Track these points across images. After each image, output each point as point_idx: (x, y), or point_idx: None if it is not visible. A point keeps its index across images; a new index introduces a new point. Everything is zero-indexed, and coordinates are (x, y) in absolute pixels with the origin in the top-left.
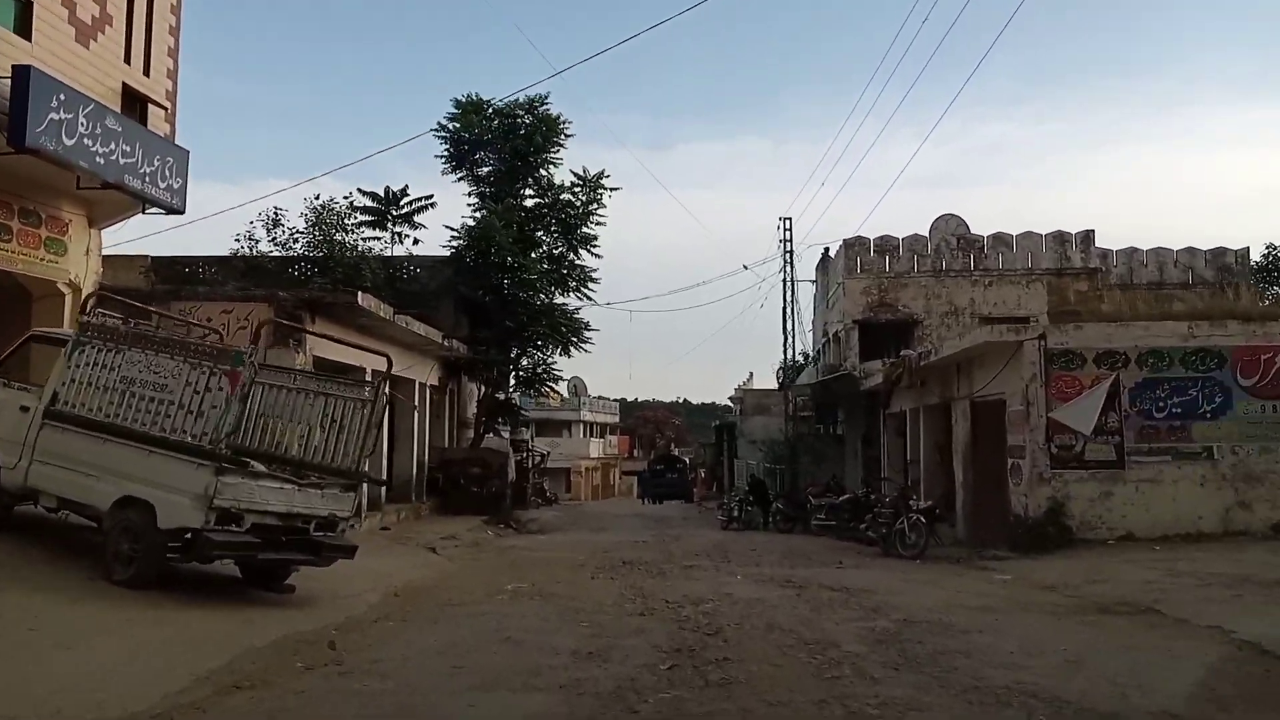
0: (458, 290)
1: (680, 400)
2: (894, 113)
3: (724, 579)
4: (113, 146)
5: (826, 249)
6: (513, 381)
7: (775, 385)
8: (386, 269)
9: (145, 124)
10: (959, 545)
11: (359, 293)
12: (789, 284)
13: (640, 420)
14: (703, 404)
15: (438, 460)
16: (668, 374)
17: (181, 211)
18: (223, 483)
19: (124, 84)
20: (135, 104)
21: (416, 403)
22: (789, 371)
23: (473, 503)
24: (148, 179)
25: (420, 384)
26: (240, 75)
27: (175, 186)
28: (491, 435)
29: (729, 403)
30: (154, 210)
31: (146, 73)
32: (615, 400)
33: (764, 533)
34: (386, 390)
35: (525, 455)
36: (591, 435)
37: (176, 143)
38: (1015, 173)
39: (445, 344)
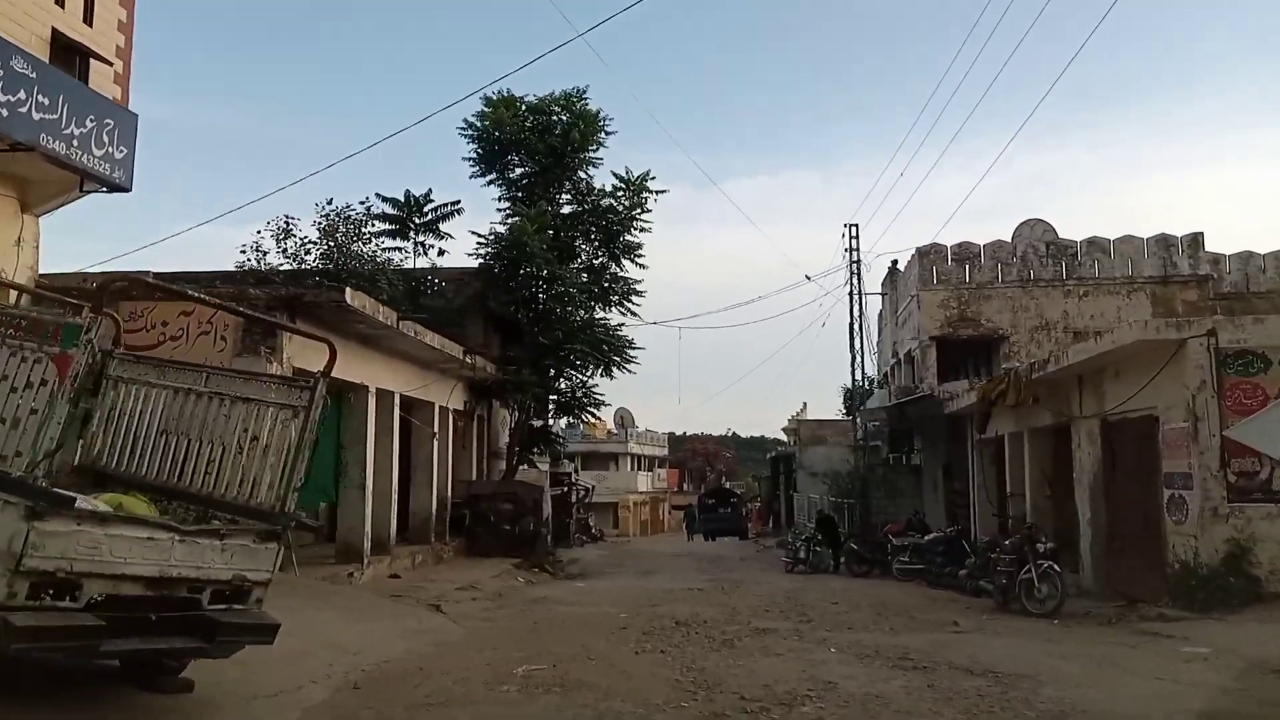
0: (486, 305)
1: (729, 433)
2: (951, 140)
3: (814, 653)
4: (22, 95)
5: (895, 262)
6: (551, 408)
7: (838, 413)
8: (407, 282)
9: (86, 82)
10: (1088, 597)
11: (346, 290)
12: (856, 297)
13: (689, 453)
14: (751, 437)
15: (464, 495)
16: (719, 402)
17: (127, 189)
18: (39, 531)
19: (54, 30)
20: (73, 57)
21: (436, 429)
22: (857, 395)
23: (503, 543)
24: (77, 144)
25: (441, 407)
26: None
27: (118, 157)
28: (526, 467)
29: (782, 434)
30: (95, 189)
31: (88, 21)
32: (663, 434)
33: (837, 578)
34: (322, 392)
35: (568, 489)
36: (639, 469)
37: (128, 109)
38: (1075, 199)
39: (468, 360)
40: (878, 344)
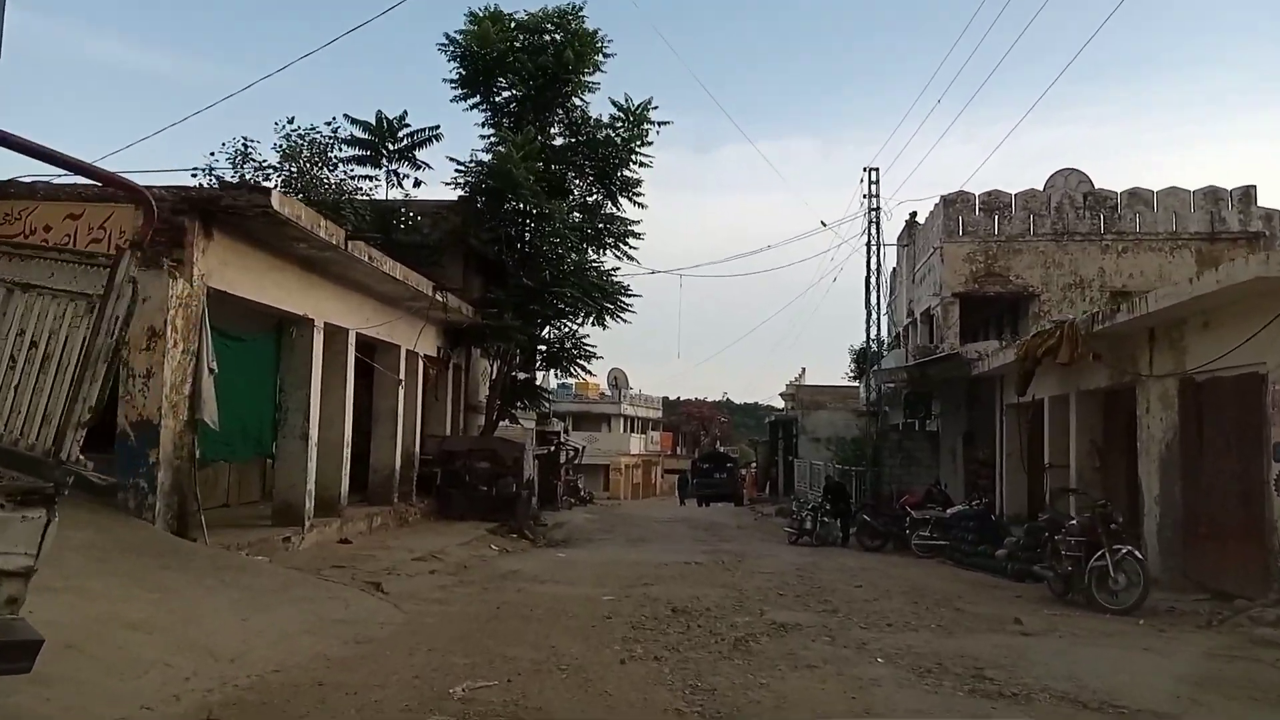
0: (466, 242)
1: (724, 399)
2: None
3: (856, 664)
4: None
5: (913, 214)
6: (539, 360)
7: (845, 376)
8: (377, 213)
9: None
10: (1156, 589)
11: (273, 193)
12: (874, 247)
13: (684, 416)
14: (746, 404)
15: (436, 452)
16: (714, 366)
17: None
18: None
19: None
20: None
21: (403, 375)
22: (871, 356)
23: (479, 506)
24: None
25: (408, 352)
26: None
27: None
28: (508, 424)
29: (778, 402)
30: None
31: None
32: (658, 398)
33: (848, 552)
34: (129, 271)
35: (556, 449)
36: (632, 431)
37: None
38: (1113, 158)
39: (438, 298)
40: (890, 303)
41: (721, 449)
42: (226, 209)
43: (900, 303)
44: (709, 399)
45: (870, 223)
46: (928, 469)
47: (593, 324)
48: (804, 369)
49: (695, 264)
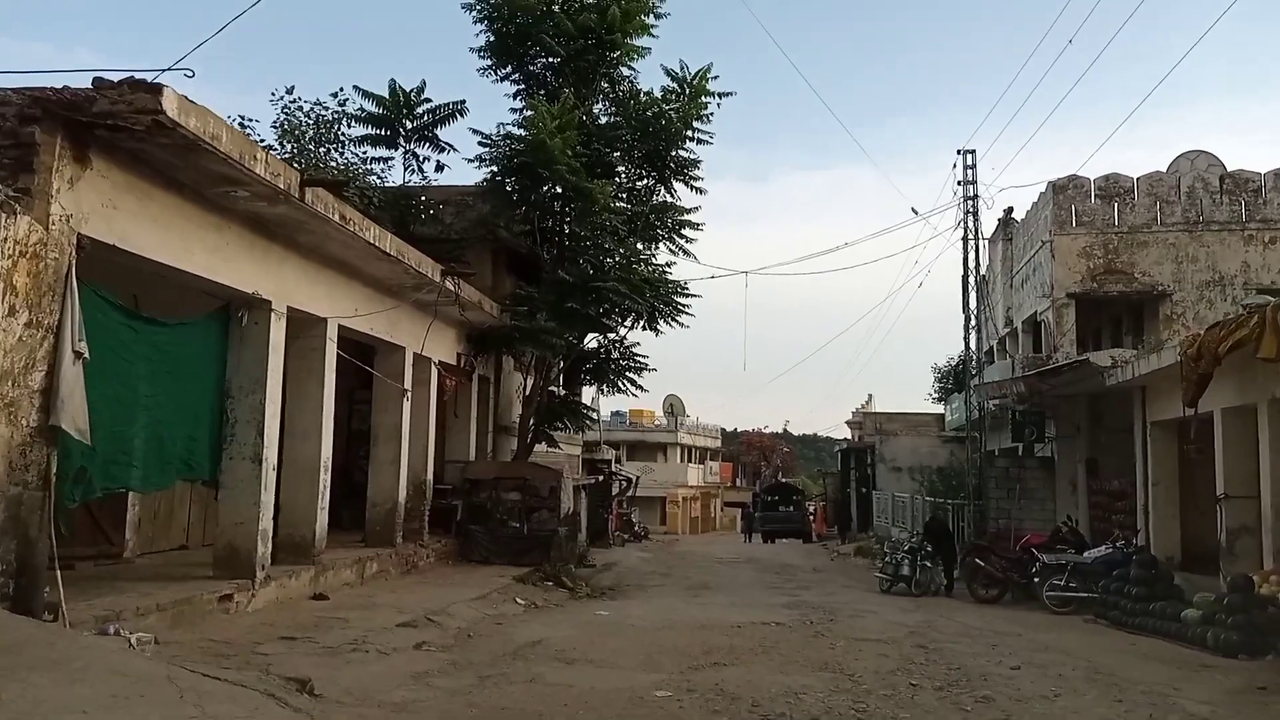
0: (495, 234)
1: (785, 429)
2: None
3: None
4: None
5: (1009, 210)
6: (585, 376)
7: (928, 398)
8: (393, 202)
9: None
10: None
11: (165, 91)
12: (971, 241)
13: (744, 446)
14: (804, 435)
15: (457, 480)
16: (776, 393)
17: None
18: None
19: None
20: None
21: (409, 385)
22: (969, 369)
23: (508, 546)
24: None
25: (417, 355)
26: None
27: None
28: (546, 448)
29: (845, 429)
30: None
31: None
32: (715, 427)
33: (959, 604)
34: None
35: (607, 479)
36: (689, 460)
37: None
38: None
39: (449, 286)
40: (976, 315)
41: (784, 480)
42: (103, 121)
43: (995, 312)
44: (768, 428)
45: (966, 213)
46: (1041, 502)
47: (643, 328)
48: (870, 395)
49: (751, 294)
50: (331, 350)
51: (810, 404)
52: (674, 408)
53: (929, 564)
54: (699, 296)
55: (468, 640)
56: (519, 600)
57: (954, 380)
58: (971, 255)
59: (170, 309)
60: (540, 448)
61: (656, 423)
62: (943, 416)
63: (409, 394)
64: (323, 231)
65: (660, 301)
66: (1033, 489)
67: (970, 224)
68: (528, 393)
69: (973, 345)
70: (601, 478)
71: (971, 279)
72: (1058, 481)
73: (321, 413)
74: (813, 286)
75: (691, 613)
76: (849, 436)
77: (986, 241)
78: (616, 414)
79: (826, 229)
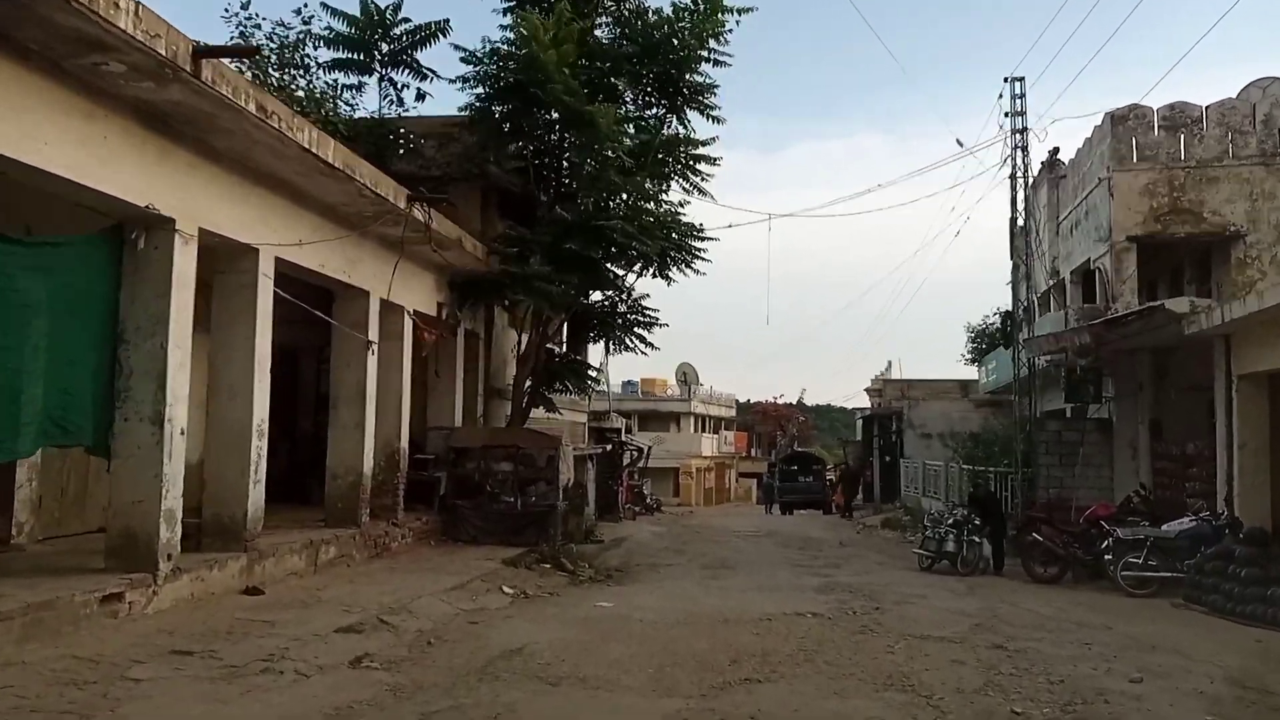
0: (484, 170)
1: (800, 398)
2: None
3: None
4: None
5: (1054, 150)
6: (593, 333)
7: (961, 359)
8: (367, 135)
9: None
10: None
11: None
12: (1019, 176)
13: (758, 415)
14: (818, 405)
15: (440, 449)
16: (791, 364)
17: None
18: None
19: None
20: None
21: (375, 336)
22: (1017, 321)
23: (499, 523)
24: None
25: (384, 302)
26: None
27: None
28: (546, 414)
29: (865, 398)
30: None
31: None
32: (729, 395)
33: (1016, 584)
34: None
35: (617, 448)
36: (703, 430)
37: None
38: None
39: (415, 213)
40: (1012, 273)
41: (803, 449)
42: None
43: (1037, 264)
44: (783, 397)
45: (1015, 147)
46: (1096, 469)
47: (653, 275)
48: (890, 362)
49: (773, 256)
50: (266, 289)
51: (827, 373)
52: (687, 376)
53: (976, 538)
54: (716, 240)
55: (426, 650)
56: (506, 589)
57: (989, 341)
58: (1021, 193)
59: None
60: (539, 413)
61: (669, 392)
62: (966, 382)
63: (374, 347)
64: (241, 130)
65: (672, 245)
66: (1088, 454)
67: (1019, 160)
68: (522, 351)
69: (1021, 295)
70: (610, 447)
71: (1020, 219)
72: (1116, 446)
73: (254, 365)
74: (834, 251)
75: (711, 601)
76: (868, 405)
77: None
78: (628, 383)
79: (842, 197)
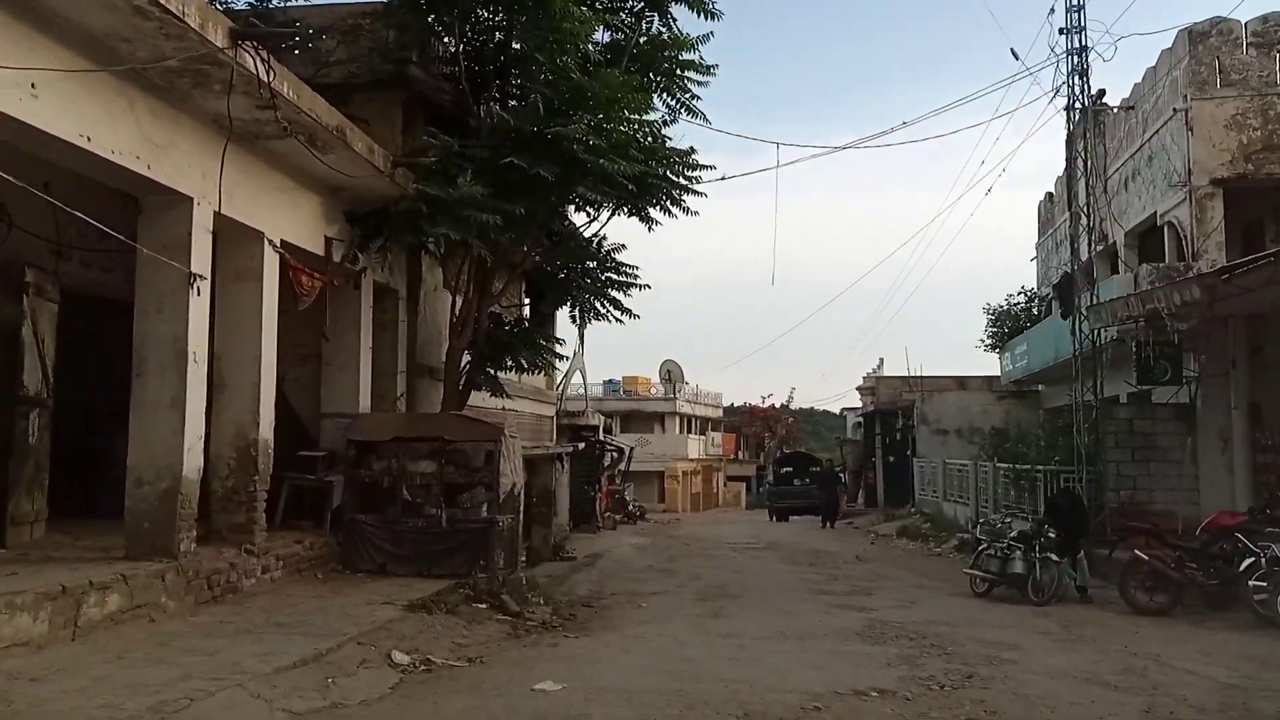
0: (406, 77)
1: (790, 398)
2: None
3: None
4: None
5: (1100, 94)
6: (574, 303)
7: (983, 344)
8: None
9: None
10: None
11: None
12: (1076, 106)
13: (746, 416)
14: (801, 409)
15: (336, 443)
16: (774, 367)
17: None
18: None
19: None
20: None
21: (203, 266)
22: (1078, 283)
23: (421, 546)
24: None
25: (221, 219)
26: None
27: None
28: (492, 398)
29: (853, 402)
30: None
31: None
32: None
33: (1125, 619)
34: None
35: (595, 449)
36: (690, 431)
37: None
38: None
39: (254, 69)
40: (1086, 210)
41: (799, 450)
42: None
43: (1071, 234)
44: (770, 397)
45: (1071, 72)
46: (1177, 465)
47: (628, 213)
48: (882, 360)
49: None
50: None
51: (813, 376)
52: (671, 374)
53: (1053, 557)
54: (712, 168)
55: None
56: (397, 657)
57: (1013, 324)
58: (1083, 127)
59: None
60: (483, 400)
61: (653, 391)
62: (964, 378)
63: (200, 283)
64: None
65: (653, 173)
66: (1165, 448)
67: (1076, 86)
68: (457, 317)
69: (1090, 240)
70: (584, 445)
71: (1080, 157)
72: (1201, 436)
73: None
74: (837, 241)
75: (718, 668)
76: (858, 405)
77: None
78: (610, 382)
79: (824, 196)
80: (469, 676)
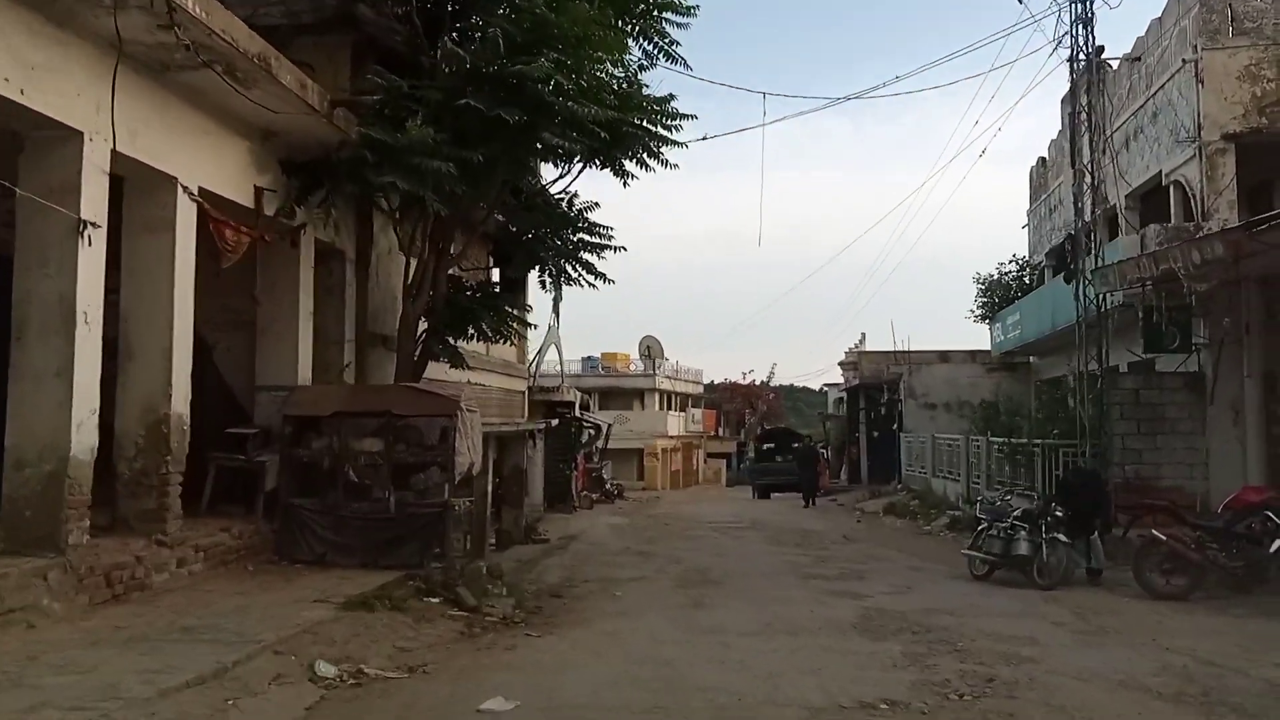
0: (351, 13)
1: (771, 374)
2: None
3: None
4: None
5: (1098, 50)
6: (553, 268)
7: (972, 315)
8: None
9: None
10: None
11: None
12: (1081, 56)
13: (726, 392)
14: (780, 386)
15: (271, 419)
16: (753, 345)
17: None
18: None
19: None
20: None
21: (94, 212)
22: (1080, 245)
23: (366, 534)
24: None
25: (120, 159)
26: None
27: None
28: (451, 370)
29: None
30: None
31: None
32: (696, 370)
33: (1145, 605)
34: None
35: (570, 425)
36: (669, 408)
37: None
38: None
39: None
40: (1030, 210)
41: (781, 426)
42: None
43: (1070, 190)
44: (752, 372)
45: (1075, 21)
46: (1186, 437)
47: (600, 165)
48: (864, 334)
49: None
50: None
51: (795, 353)
52: (651, 350)
53: (1060, 537)
54: (693, 118)
55: None
56: (321, 669)
57: (1002, 293)
58: (1089, 75)
59: None
60: (444, 373)
61: (632, 368)
62: (947, 352)
63: (91, 230)
64: None
65: (629, 123)
66: (1173, 419)
67: (1081, 37)
68: (412, 279)
69: (1093, 202)
70: (559, 422)
71: (1085, 110)
72: (1212, 406)
73: None
74: (813, 229)
75: (700, 674)
76: (840, 381)
77: (1063, 98)
78: (588, 359)
79: (805, 176)
80: (404, 692)
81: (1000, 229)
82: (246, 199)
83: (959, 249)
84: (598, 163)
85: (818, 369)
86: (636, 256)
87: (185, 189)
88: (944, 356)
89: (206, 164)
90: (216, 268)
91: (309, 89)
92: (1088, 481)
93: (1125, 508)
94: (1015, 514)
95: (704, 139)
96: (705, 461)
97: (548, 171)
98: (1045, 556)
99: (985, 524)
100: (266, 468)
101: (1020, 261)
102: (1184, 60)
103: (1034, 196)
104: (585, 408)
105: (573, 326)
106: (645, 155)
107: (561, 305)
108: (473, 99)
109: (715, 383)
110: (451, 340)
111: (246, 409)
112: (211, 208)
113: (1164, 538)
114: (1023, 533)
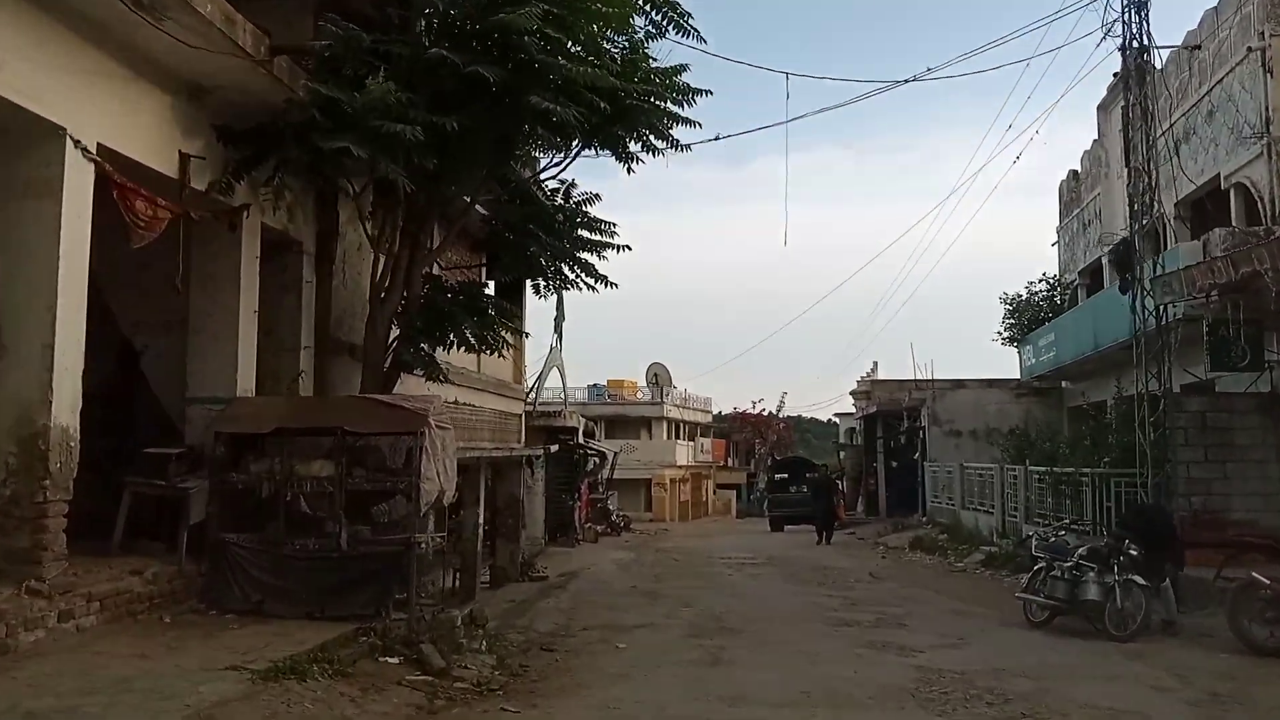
0: None
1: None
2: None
3: None
4: None
5: (1142, 52)
6: (547, 274)
7: (1000, 337)
8: None
9: None
10: None
11: None
12: (1131, 48)
13: (736, 422)
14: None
15: (203, 438)
16: (762, 374)
17: None
18: None
19: None
20: None
21: None
22: (1136, 253)
23: (311, 577)
24: None
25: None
26: None
27: None
28: (426, 383)
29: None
30: None
31: None
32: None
33: (1239, 660)
34: None
35: (574, 453)
36: (678, 437)
37: None
38: None
39: None
40: (1132, 175)
41: (795, 455)
42: None
43: (1114, 203)
44: (761, 401)
45: (1127, 5)
46: (1260, 465)
47: (598, 147)
48: (876, 363)
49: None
50: None
51: (802, 384)
52: (658, 378)
53: (1137, 580)
54: (709, 93)
55: None
56: None
57: (1033, 314)
58: (1148, 63)
59: None
60: (422, 387)
61: (639, 395)
62: (963, 381)
63: None
64: None
65: (631, 92)
66: (1244, 446)
67: (1131, 23)
68: (380, 275)
69: (1150, 204)
70: (559, 449)
71: (1135, 111)
72: None
73: None
74: (828, 257)
75: None
76: (851, 410)
77: (1100, 104)
78: (594, 387)
79: (808, 209)
80: None
81: (1025, 256)
82: (169, 167)
83: (978, 278)
84: (597, 143)
85: (827, 399)
86: (647, 283)
87: (77, 143)
88: (959, 384)
89: (111, 116)
90: (145, 257)
91: (240, 28)
92: (1155, 516)
93: (1203, 545)
94: (1080, 552)
95: (715, 139)
96: (715, 492)
97: (541, 160)
98: (1120, 601)
99: (1044, 563)
100: (192, 496)
101: (1051, 280)
102: (1248, 48)
103: (1065, 213)
104: (590, 435)
105: (577, 354)
106: (651, 135)
107: (564, 326)
108: (450, 52)
109: (724, 412)
110: (427, 348)
111: (179, 426)
112: (117, 170)
113: (1266, 581)
114: (1091, 574)
